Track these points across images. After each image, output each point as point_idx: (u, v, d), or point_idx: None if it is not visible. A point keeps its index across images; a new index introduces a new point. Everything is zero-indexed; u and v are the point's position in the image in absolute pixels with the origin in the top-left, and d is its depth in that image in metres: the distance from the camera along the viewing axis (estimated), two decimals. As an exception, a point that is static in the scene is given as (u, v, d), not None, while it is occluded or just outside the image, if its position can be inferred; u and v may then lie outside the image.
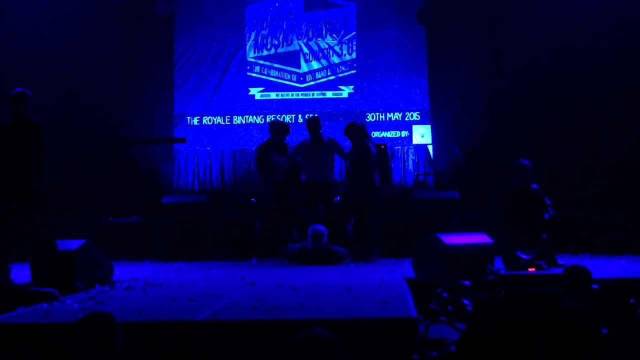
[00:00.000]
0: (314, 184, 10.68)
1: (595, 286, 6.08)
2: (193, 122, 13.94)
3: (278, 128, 10.74)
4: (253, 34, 14.09)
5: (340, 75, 13.95)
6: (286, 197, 10.57)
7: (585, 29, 12.51)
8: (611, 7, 12.43)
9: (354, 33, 13.97)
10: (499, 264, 8.21)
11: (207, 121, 13.95)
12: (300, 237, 10.24)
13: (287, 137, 10.81)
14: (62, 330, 5.41)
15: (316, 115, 11.55)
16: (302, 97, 13.92)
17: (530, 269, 8.03)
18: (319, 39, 14.01)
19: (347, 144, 10.70)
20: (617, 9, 12.41)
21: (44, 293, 6.79)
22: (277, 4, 14.08)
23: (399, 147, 13.56)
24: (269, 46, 14.06)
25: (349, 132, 10.28)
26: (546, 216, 8.45)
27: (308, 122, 10.92)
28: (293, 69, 14.00)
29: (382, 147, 12.36)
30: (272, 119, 13.41)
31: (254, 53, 14.05)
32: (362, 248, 10.01)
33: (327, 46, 13.99)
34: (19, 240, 7.92)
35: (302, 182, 10.78)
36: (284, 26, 14.07)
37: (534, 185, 8.67)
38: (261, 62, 14.04)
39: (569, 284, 5.15)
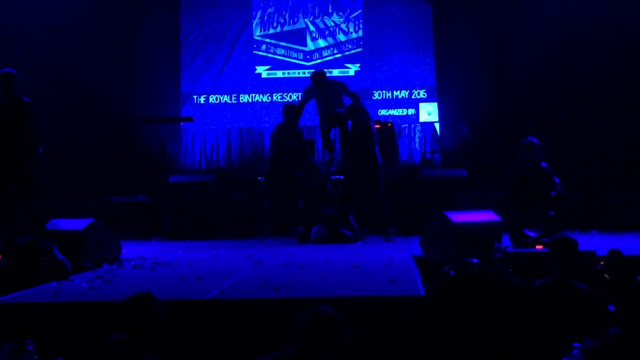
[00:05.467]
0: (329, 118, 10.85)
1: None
2: (200, 101, 13.92)
3: (288, 111, 10.68)
4: (259, 12, 14.02)
5: (347, 53, 13.89)
6: (293, 175, 10.53)
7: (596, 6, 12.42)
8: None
9: (360, 11, 13.90)
10: (506, 241, 8.20)
11: (213, 100, 13.93)
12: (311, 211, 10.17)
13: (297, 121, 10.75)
14: (72, 308, 5.45)
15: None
16: (308, 75, 13.77)
17: (537, 247, 8.02)
18: (325, 16, 13.94)
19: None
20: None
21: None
22: (283, -18, 14.01)
23: (406, 125, 13.51)
24: (275, 24, 13.99)
25: (350, 113, 10.23)
26: (552, 193, 8.43)
27: (314, 75, 10.95)
28: (299, 47, 13.94)
29: (389, 125, 12.33)
30: (279, 97, 13.40)
31: (260, 31, 13.99)
32: (375, 225, 10.01)
33: (333, 24, 13.92)
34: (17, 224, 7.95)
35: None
36: (290, 4, 13.99)
37: (543, 164, 8.64)
38: (267, 40, 13.98)
39: (555, 255, 5.24)
